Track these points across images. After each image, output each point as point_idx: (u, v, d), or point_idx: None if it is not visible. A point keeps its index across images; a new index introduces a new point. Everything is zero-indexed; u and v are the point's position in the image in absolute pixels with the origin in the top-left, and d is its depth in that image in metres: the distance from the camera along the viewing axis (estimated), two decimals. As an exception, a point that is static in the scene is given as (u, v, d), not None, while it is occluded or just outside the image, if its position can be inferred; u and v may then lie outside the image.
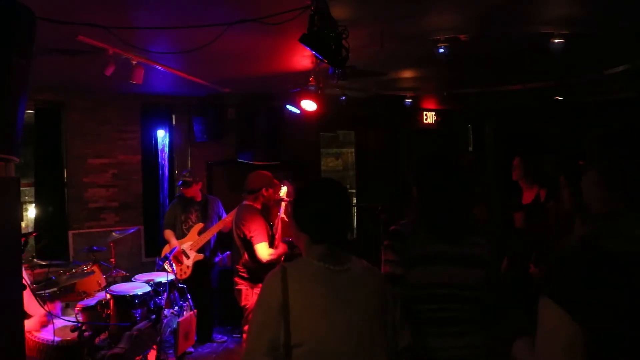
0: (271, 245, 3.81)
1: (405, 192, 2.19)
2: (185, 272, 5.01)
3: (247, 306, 3.81)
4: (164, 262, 4.71)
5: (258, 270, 3.67)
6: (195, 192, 5.23)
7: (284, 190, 3.96)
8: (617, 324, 1.09)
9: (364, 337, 1.58)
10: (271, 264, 3.57)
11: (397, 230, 2.02)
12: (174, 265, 4.95)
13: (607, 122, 7.69)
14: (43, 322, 3.33)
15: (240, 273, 3.91)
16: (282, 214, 3.92)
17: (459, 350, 1.94)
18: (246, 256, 3.85)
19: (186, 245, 5.05)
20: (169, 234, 5.13)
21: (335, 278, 1.60)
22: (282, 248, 3.81)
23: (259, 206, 3.90)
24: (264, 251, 3.68)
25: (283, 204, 3.94)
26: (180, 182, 5.21)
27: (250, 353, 1.59)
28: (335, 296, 1.58)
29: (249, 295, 3.82)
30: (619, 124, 1.23)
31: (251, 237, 3.72)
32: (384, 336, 1.64)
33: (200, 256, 5.09)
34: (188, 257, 5.03)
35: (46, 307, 3.32)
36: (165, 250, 5.07)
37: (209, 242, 5.17)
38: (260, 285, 1.73)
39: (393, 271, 1.96)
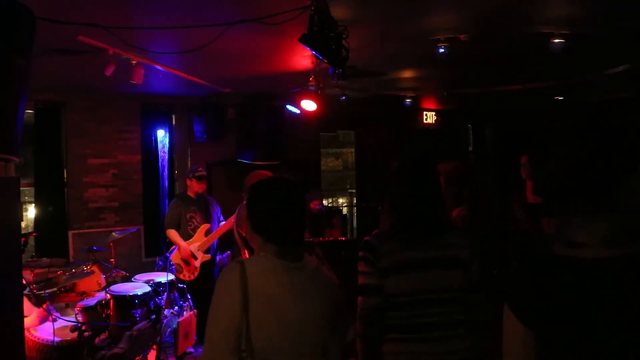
0: None
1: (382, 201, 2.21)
2: (193, 274, 5.03)
3: None
4: (171, 265, 4.72)
5: None
6: (205, 188, 5.26)
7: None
8: (564, 332, 1.10)
9: (324, 330, 1.61)
10: None
11: (368, 241, 2.02)
12: (182, 267, 4.97)
13: (607, 122, 7.69)
14: (42, 316, 3.34)
15: None
16: None
17: (445, 355, 1.93)
18: (247, 254, 3.85)
19: (194, 246, 5.06)
20: (174, 234, 5.11)
21: (292, 274, 1.61)
22: None
23: None
24: None
25: None
26: (199, 176, 5.19)
27: (213, 352, 1.54)
28: (295, 291, 1.59)
29: None
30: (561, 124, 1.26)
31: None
32: (338, 331, 1.67)
33: (208, 257, 5.11)
34: (196, 259, 5.05)
35: (44, 306, 3.32)
36: (177, 254, 5.06)
37: (213, 242, 5.20)
38: None
39: (367, 282, 1.98)
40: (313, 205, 5.71)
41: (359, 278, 2.02)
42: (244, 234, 3.81)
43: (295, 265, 1.63)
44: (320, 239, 5.68)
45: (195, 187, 5.20)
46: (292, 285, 1.59)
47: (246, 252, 3.85)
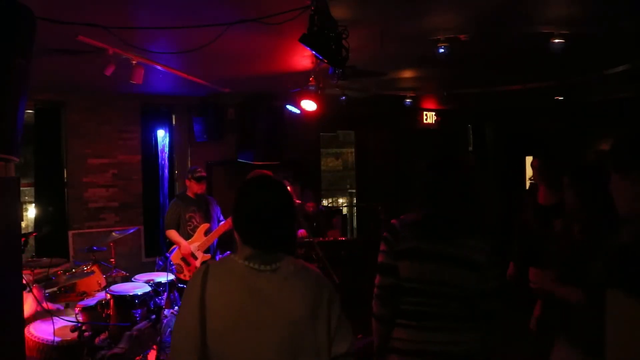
0: None
1: (409, 189, 2.27)
2: None
3: None
4: (171, 265, 4.72)
5: None
6: (204, 189, 5.26)
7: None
8: None
9: (287, 340, 1.50)
10: None
11: (392, 224, 2.13)
12: (182, 267, 4.98)
13: (607, 122, 7.70)
14: (32, 307, 3.33)
15: None
16: None
17: (433, 345, 1.98)
18: None
19: (194, 245, 5.06)
20: (174, 234, 5.10)
21: (258, 278, 1.53)
22: None
23: None
24: None
25: None
26: (198, 177, 5.18)
27: (176, 352, 1.52)
28: (254, 297, 1.51)
29: None
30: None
31: None
32: (315, 343, 1.54)
33: (208, 256, 5.11)
34: (196, 258, 5.05)
35: (34, 290, 3.31)
36: (177, 254, 5.06)
37: (213, 242, 5.20)
38: None
39: (384, 261, 2.08)
40: (308, 207, 5.70)
41: (378, 256, 2.11)
42: None
43: (264, 268, 1.54)
44: (320, 239, 5.68)
45: (194, 188, 5.19)
46: (252, 291, 1.51)
47: None
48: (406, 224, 2.09)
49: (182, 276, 4.99)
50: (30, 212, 6.53)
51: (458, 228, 2.04)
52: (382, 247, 2.10)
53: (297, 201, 3.92)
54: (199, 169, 5.31)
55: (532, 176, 4.19)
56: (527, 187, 7.99)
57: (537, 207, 4.04)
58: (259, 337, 1.49)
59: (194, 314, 1.49)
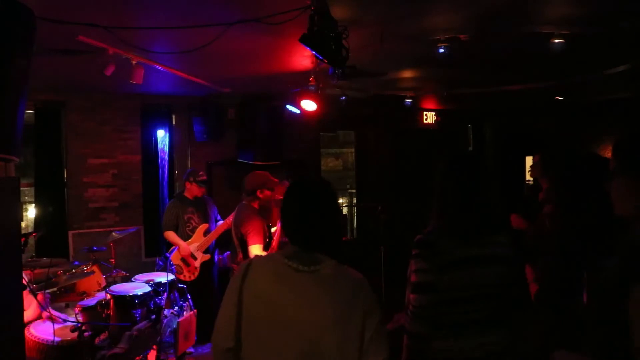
0: (268, 245, 3.80)
1: (426, 199, 2.21)
2: (193, 274, 5.03)
3: None
4: (171, 265, 4.72)
5: None
6: (204, 192, 5.26)
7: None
8: None
9: (315, 341, 1.51)
10: None
11: (424, 238, 2.03)
12: (182, 268, 4.98)
13: (607, 122, 7.70)
14: (35, 313, 3.34)
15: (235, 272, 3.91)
16: None
17: (474, 351, 1.96)
18: (241, 256, 3.85)
19: (193, 246, 5.06)
20: (173, 236, 5.10)
21: (296, 277, 1.58)
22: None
23: (256, 206, 3.90)
24: (256, 252, 3.67)
25: None
26: (200, 181, 5.18)
27: (216, 333, 1.63)
28: (288, 294, 1.56)
29: None
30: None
31: (247, 237, 3.71)
32: (347, 348, 1.52)
33: (207, 256, 5.12)
34: (196, 259, 5.05)
35: (39, 297, 3.32)
36: (177, 255, 5.06)
37: (212, 242, 5.20)
38: None
39: (424, 279, 1.97)
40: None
41: (412, 276, 2.01)
42: (239, 235, 3.81)
43: (304, 269, 1.58)
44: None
45: (195, 192, 5.18)
46: (293, 288, 1.56)
47: (241, 254, 3.84)
48: (439, 236, 2.01)
49: (181, 277, 4.99)
50: (30, 212, 6.53)
51: (488, 226, 2.04)
52: (419, 264, 1.99)
53: None
54: (201, 173, 5.30)
55: (531, 173, 4.19)
56: (525, 190, 8.00)
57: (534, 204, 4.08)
58: (283, 336, 1.53)
59: (233, 302, 1.60)
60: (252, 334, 1.57)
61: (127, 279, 4.63)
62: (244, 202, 3.94)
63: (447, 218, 2.03)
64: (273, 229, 4.07)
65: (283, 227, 1.70)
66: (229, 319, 1.60)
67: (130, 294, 3.96)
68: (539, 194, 4.21)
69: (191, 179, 5.19)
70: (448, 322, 1.98)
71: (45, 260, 4.05)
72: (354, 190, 8.46)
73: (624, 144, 1.44)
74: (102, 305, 3.84)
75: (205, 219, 5.20)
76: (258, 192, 3.86)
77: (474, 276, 1.97)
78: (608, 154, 2.81)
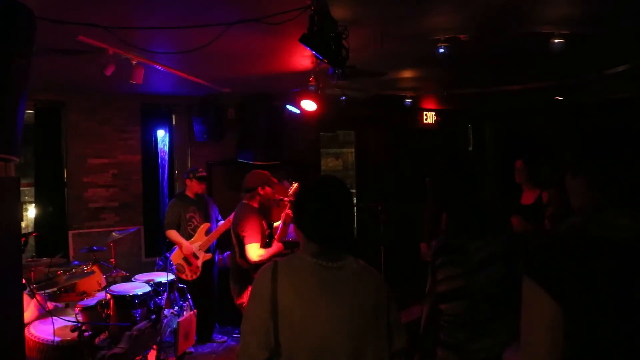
0: (268, 245, 3.81)
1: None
2: (195, 273, 5.04)
3: (244, 304, 3.81)
4: (171, 265, 4.73)
5: (248, 270, 3.66)
6: (204, 189, 5.26)
7: (293, 188, 3.98)
8: (596, 307, 1.13)
9: (356, 334, 1.57)
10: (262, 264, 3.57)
11: (450, 243, 2.01)
12: (184, 267, 4.98)
13: (607, 122, 7.70)
14: (40, 308, 3.34)
15: (234, 272, 3.92)
16: (287, 210, 3.90)
17: (487, 352, 1.97)
18: (237, 256, 3.85)
19: (195, 245, 5.06)
20: (175, 234, 5.11)
21: (327, 274, 1.60)
22: (275, 247, 3.79)
23: (256, 205, 3.90)
24: (253, 252, 3.66)
25: (286, 202, 3.94)
26: (200, 178, 5.20)
27: (246, 348, 1.58)
28: (325, 291, 1.57)
29: (243, 293, 3.82)
30: (605, 126, 1.30)
31: (244, 236, 3.71)
32: (378, 338, 1.61)
33: (209, 256, 5.13)
34: (197, 258, 5.06)
35: (38, 297, 3.33)
36: (177, 254, 5.06)
37: (213, 241, 5.21)
38: (249, 286, 1.74)
39: (458, 285, 1.94)
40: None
41: (443, 284, 1.96)
42: (237, 234, 3.81)
43: (332, 265, 1.60)
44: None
45: (195, 188, 5.21)
46: (323, 286, 1.58)
47: (237, 253, 3.84)
48: (464, 237, 2.00)
49: (183, 276, 4.99)
50: (30, 212, 6.52)
51: (495, 224, 2.07)
52: (450, 271, 1.95)
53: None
54: (200, 169, 5.34)
55: (516, 178, 4.34)
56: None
57: (520, 207, 4.21)
58: (332, 330, 1.54)
59: (267, 311, 1.54)
60: (295, 339, 1.54)
61: (127, 279, 4.63)
62: (243, 201, 3.95)
63: (463, 219, 2.03)
64: (276, 223, 4.08)
65: (302, 227, 1.68)
66: (264, 330, 1.54)
67: (130, 294, 3.96)
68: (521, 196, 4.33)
69: (191, 175, 5.24)
70: (479, 321, 1.96)
71: (45, 260, 4.06)
72: (354, 190, 8.45)
73: (574, 143, 1.46)
74: (102, 305, 3.84)
75: (206, 218, 5.21)
76: (260, 189, 3.87)
77: (491, 274, 1.99)
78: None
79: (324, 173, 8.11)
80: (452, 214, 2.09)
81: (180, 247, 5.04)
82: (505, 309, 2.03)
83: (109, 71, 4.02)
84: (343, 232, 1.66)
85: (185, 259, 5.04)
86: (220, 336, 5.38)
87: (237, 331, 5.27)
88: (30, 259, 4.48)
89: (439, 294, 1.98)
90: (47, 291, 3.80)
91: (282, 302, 1.55)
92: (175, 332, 4.15)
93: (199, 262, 5.06)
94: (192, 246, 5.04)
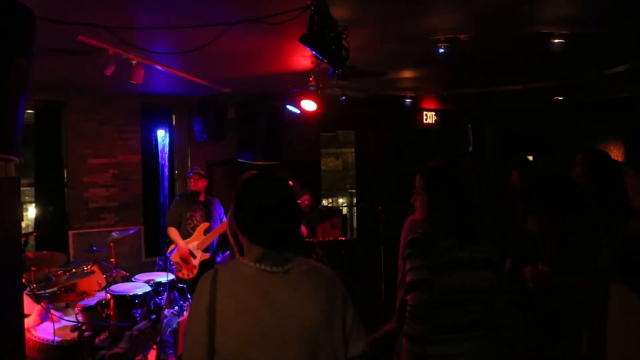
0: None
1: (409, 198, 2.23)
2: (192, 272, 5.04)
3: None
4: (171, 264, 4.73)
5: None
6: (203, 187, 5.28)
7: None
8: None
9: (305, 342, 1.46)
10: None
11: (417, 238, 2.05)
12: (181, 266, 4.99)
13: (607, 122, 7.70)
14: (43, 314, 3.34)
15: None
16: None
17: (472, 355, 1.96)
18: (237, 255, 3.85)
19: (193, 245, 5.07)
20: (174, 232, 5.12)
21: (271, 280, 1.48)
22: None
23: None
24: None
25: None
26: (191, 173, 5.24)
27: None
28: (269, 300, 1.46)
29: None
30: None
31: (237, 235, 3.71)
32: (333, 343, 1.50)
33: (207, 255, 5.12)
34: (195, 257, 5.06)
35: (42, 304, 3.33)
36: (177, 254, 5.07)
37: (212, 241, 5.21)
38: None
39: (420, 276, 1.97)
40: (303, 201, 5.66)
41: (408, 275, 2.01)
42: (234, 234, 3.81)
43: (276, 270, 1.49)
44: (320, 238, 5.68)
45: (198, 184, 5.24)
46: (267, 293, 1.46)
47: (237, 252, 3.84)
48: (433, 237, 2.03)
49: (180, 274, 5.00)
50: (30, 212, 6.53)
51: (479, 231, 2.06)
52: (414, 262, 1.99)
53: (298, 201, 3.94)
54: (196, 168, 5.39)
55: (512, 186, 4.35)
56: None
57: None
58: (277, 345, 1.44)
59: (203, 323, 1.43)
60: (237, 354, 1.42)
61: (127, 279, 4.63)
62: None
63: (442, 223, 2.05)
64: None
65: (243, 228, 1.57)
66: (198, 345, 1.43)
67: (131, 293, 3.96)
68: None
69: (192, 172, 5.27)
70: (442, 326, 1.97)
71: (45, 253, 4.06)
72: (354, 190, 8.46)
73: (633, 139, 1.46)
74: (102, 305, 3.84)
75: (207, 217, 5.21)
76: None
77: (467, 279, 1.97)
78: (610, 153, 2.84)
79: (324, 173, 8.12)
80: (431, 214, 2.11)
81: (178, 247, 5.06)
82: (492, 315, 2.01)
83: (109, 71, 4.02)
84: (287, 230, 1.54)
85: (182, 257, 5.05)
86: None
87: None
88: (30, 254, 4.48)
89: (406, 284, 2.02)
90: (47, 291, 3.79)
91: (221, 316, 1.43)
92: (175, 332, 4.15)
93: (197, 262, 5.05)
94: (188, 245, 5.04)
